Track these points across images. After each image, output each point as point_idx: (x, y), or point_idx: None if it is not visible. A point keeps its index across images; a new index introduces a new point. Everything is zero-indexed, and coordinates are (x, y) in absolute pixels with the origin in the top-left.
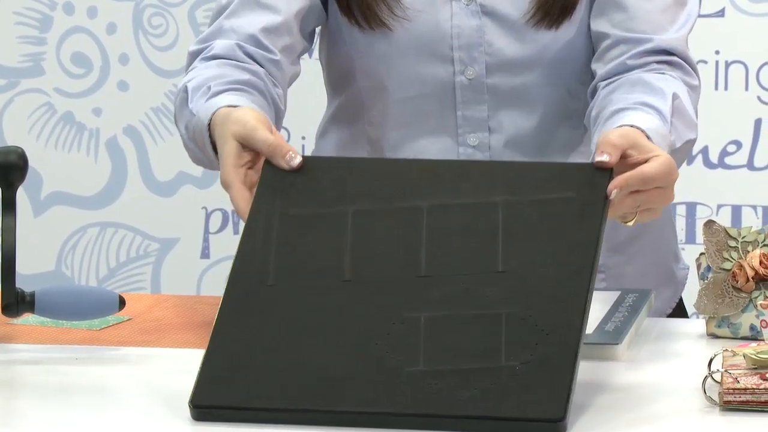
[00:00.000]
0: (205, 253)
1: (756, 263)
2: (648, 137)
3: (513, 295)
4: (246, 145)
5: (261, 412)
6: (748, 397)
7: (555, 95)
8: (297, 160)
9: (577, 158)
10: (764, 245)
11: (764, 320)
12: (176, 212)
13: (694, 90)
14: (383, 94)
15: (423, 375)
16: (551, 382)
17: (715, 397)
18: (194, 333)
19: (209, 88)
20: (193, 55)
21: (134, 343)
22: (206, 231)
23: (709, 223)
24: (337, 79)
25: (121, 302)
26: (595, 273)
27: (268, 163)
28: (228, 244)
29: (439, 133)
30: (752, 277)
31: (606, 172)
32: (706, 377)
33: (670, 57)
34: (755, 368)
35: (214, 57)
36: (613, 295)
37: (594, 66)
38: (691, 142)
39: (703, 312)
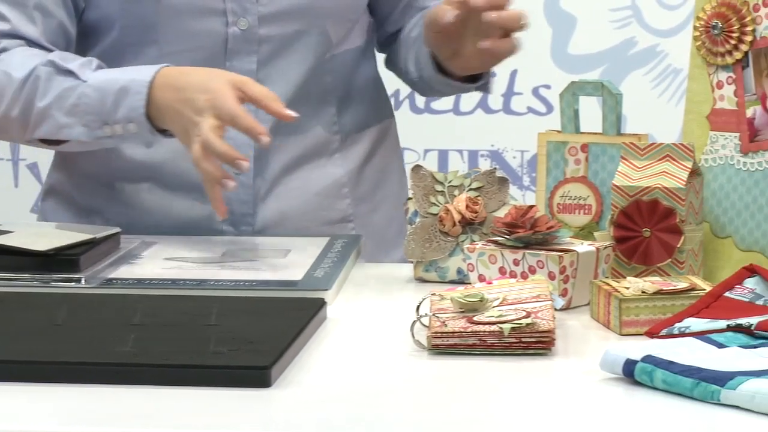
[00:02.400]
0: None
1: (462, 207)
2: None
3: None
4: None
5: None
6: (456, 341)
7: (323, 45)
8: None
9: (331, 107)
10: (470, 189)
11: (471, 264)
12: None
13: None
14: (150, 48)
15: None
16: (261, 348)
17: (424, 341)
18: None
19: (90, 61)
20: None
21: None
22: None
23: (416, 168)
24: (88, 31)
25: None
26: None
27: None
28: None
29: None
30: (459, 222)
31: None
32: (414, 321)
33: None
34: (462, 312)
35: (4, 50)
36: (322, 241)
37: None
38: None
39: (410, 256)
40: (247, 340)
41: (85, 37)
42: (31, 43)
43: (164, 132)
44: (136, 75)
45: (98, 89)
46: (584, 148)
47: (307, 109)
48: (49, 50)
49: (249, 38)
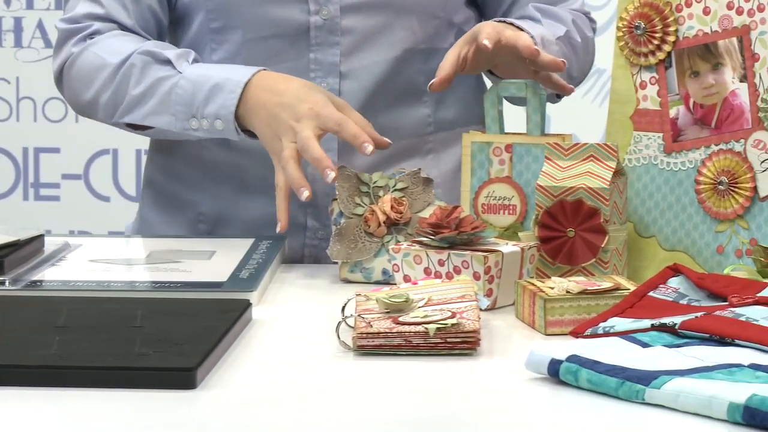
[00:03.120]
0: None
1: (387, 208)
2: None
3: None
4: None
5: None
6: (381, 341)
7: (407, 38)
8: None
9: (425, 107)
10: (395, 190)
11: (396, 264)
12: None
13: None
14: (233, 34)
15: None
16: (187, 349)
17: (349, 342)
18: None
19: (187, 53)
20: (72, 32)
21: None
22: None
23: (341, 169)
24: (178, 19)
25: None
26: None
27: None
28: None
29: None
30: (384, 222)
31: None
32: (339, 322)
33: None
34: (388, 312)
35: (98, 32)
36: (247, 242)
37: None
38: (564, 38)
39: (336, 257)
40: (173, 342)
41: (174, 25)
42: (125, 28)
43: (247, 132)
44: (232, 74)
45: (192, 82)
46: (508, 148)
47: (393, 106)
48: (144, 37)
49: (332, 28)
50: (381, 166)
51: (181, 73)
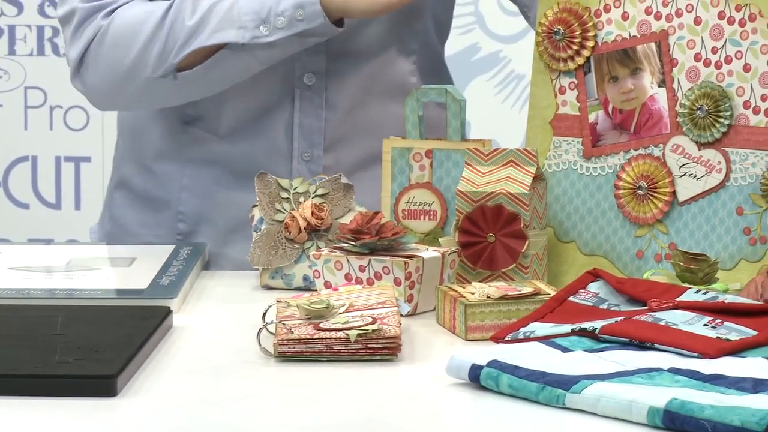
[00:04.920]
0: None
1: (308, 214)
2: None
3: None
4: None
5: None
6: (303, 348)
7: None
8: None
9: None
10: (316, 196)
11: (317, 270)
12: None
13: None
14: None
15: None
16: (107, 357)
17: (270, 348)
18: None
19: None
20: (94, 9)
21: None
22: None
23: (261, 175)
24: None
25: None
26: None
27: None
28: None
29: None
30: (304, 228)
31: None
32: (260, 329)
33: None
34: (309, 318)
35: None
36: (167, 249)
37: None
38: None
39: (257, 264)
40: (93, 350)
41: None
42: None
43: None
44: None
45: None
46: (429, 153)
47: (382, 108)
48: None
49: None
50: (368, 163)
51: None
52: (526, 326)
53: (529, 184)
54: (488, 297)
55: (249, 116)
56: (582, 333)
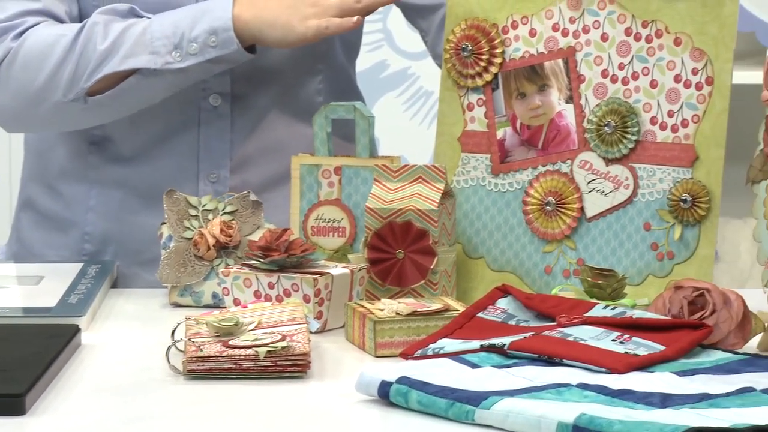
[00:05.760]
0: None
1: (217, 231)
2: None
3: None
4: None
5: None
6: (212, 365)
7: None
8: None
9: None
10: (225, 213)
11: (226, 288)
12: None
13: None
14: None
15: None
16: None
17: (179, 366)
18: None
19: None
20: (5, 30)
21: None
22: None
23: (170, 192)
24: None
25: None
26: None
27: None
28: None
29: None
30: (213, 246)
31: None
32: (169, 346)
33: None
34: (218, 336)
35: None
36: (76, 267)
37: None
38: None
39: (165, 281)
40: (1, 368)
41: None
42: (61, 21)
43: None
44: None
45: (168, 17)
46: (337, 170)
47: (288, 128)
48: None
49: None
50: (276, 183)
51: (149, 18)
52: (435, 342)
53: (438, 201)
54: (397, 313)
55: (155, 137)
56: (491, 349)
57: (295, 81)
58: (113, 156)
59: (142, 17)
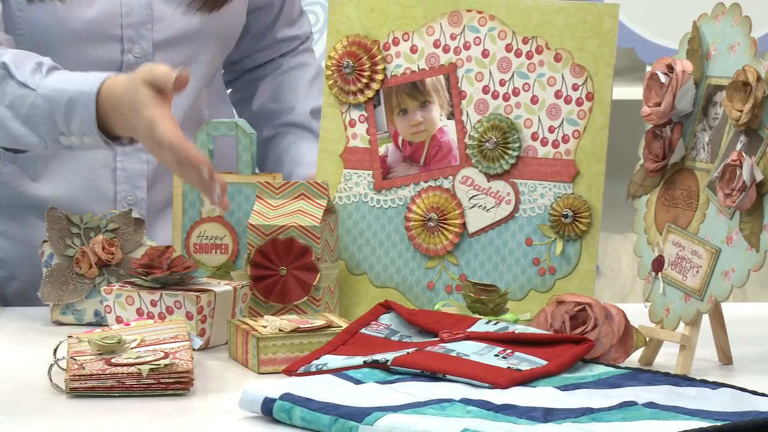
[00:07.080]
0: None
1: (99, 249)
2: None
3: None
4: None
5: None
6: (94, 383)
7: (207, 74)
8: None
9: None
10: (107, 231)
11: (108, 306)
12: None
13: None
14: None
15: None
16: None
17: (62, 384)
18: None
19: (40, 65)
20: None
21: None
22: None
23: (51, 210)
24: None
25: None
26: None
27: None
28: None
29: None
30: (95, 263)
31: None
32: (51, 365)
33: None
34: (101, 354)
35: None
36: None
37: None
38: None
39: (47, 299)
40: None
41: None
42: None
43: (117, 141)
44: (83, 86)
45: (48, 100)
46: None
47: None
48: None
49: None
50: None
51: (35, 90)
52: (318, 359)
53: (320, 217)
54: (280, 330)
55: (69, 161)
56: (374, 365)
57: (194, 97)
58: (25, 179)
59: (29, 87)
